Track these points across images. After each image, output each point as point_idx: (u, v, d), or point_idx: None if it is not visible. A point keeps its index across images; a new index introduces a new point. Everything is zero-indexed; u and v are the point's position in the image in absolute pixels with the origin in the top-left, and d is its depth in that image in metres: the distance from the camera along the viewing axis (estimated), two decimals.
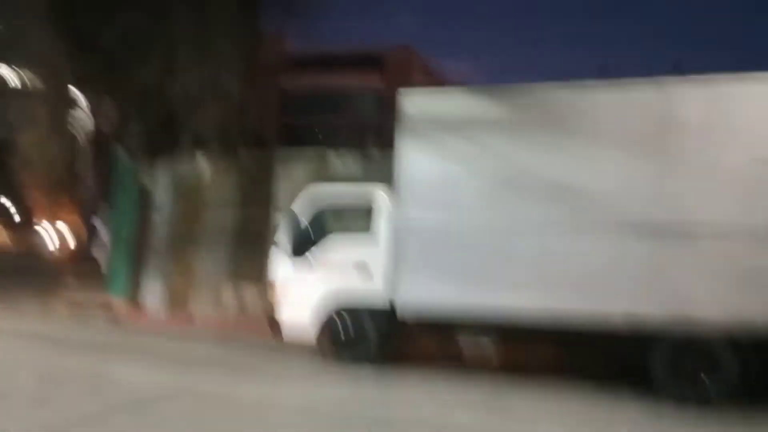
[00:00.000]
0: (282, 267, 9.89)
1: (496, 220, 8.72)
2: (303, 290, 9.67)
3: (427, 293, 8.99)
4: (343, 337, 9.44)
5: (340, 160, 12.31)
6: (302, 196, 9.97)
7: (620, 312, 8.15)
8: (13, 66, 22.10)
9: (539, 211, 8.57)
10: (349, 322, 9.45)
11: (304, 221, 9.79)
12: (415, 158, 9.20)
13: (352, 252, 9.56)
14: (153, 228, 14.67)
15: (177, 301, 13.66)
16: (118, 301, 14.73)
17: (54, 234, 40.55)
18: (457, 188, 8.96)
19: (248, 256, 12.46)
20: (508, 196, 8.72)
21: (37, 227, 49.95)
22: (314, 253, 9.70)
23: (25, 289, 17.14)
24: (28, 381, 7.54)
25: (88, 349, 9.75)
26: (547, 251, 8.50)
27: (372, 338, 9.35)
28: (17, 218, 50.48)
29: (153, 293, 14.21)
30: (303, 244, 9.78)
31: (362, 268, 9.43)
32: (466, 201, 8.91)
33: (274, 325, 9.92)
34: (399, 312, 9.18)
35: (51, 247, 37.12)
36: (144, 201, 15.12)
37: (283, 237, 9.86)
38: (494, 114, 8.96)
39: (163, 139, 15.69)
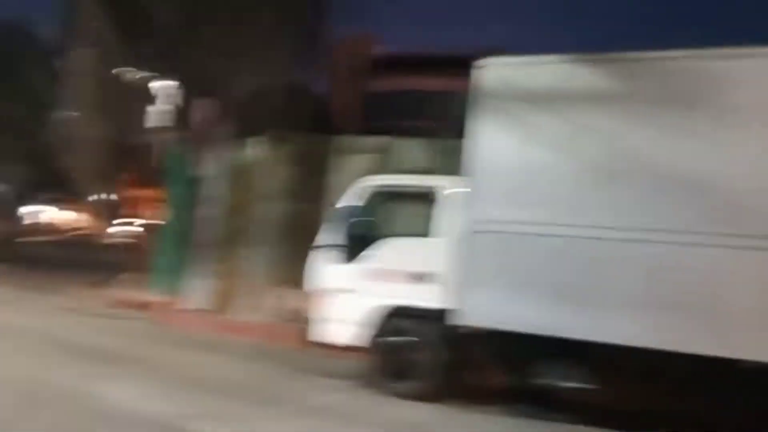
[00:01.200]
0: (324, 274, 8.16)
1: (595, 222, 6.70)
2: (348, 304, 7.91)
3: (502, 313, 7.08)
4: (394, 365, 7.62)
5: (407, 150, 10.48)
6: (352, 189, 8.21)
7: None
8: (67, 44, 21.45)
9: (653, 212, 6.51)
10: (403, 346, 7.62)
11: (354, 220, 8.04)
12: (492, 143, 7.28)
13: (410, 259, 7.73)
14: (201, 221, 13.27)
15: (219, 303, 12.15)
16: (160, 301, 13.41)
17: (133, 226, 40.43)
18: (545, 180, 7.01)
19: (296, 258, 10.79)
20: (611, 192, 6.69)
21: (124, 219, 50.28)
22: (364, 259, 7.92)
23: (81, 280, 16.16)
24: None
25: (97, 358, 8.29)
26: (662, 265, 6.44)
27: (431, 368, 7.48)
28: (112, 209, 50.87)
29: (195, 294, 12.77)
30: (351, 248, 8.02)
31: (422, 279, 7.59)
32: (556, 196, 6.93)
33: (312, 342, 8.23)
34: (467, 336, 7.32)
35: (126, 240, 37.02)
36: (196, 192, 13.76)
37: (327, 238, 8.12)
38: (597, 87, 6.93)
39: (221, 124, 14.23)
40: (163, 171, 15.39)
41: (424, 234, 7.75)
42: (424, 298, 7.56)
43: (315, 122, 12.98)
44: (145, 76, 19.08)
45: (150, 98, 21.95)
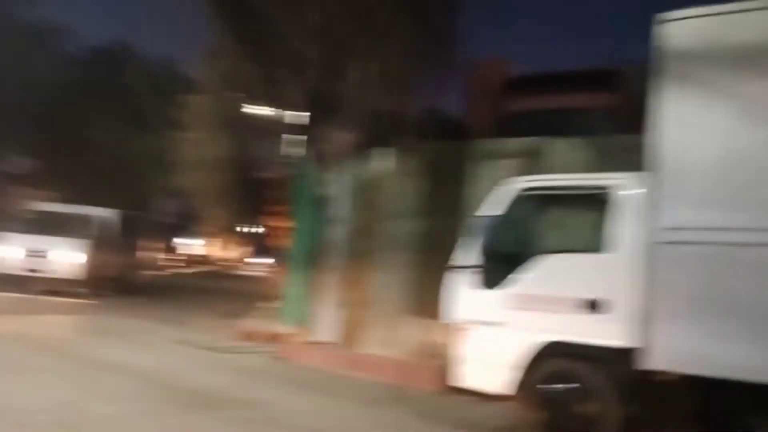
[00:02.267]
0: (463, 302, 6.56)
1: None
2: (496, 339, 6.27)
3: (705, 353, 5.24)
4: (557, 419, 5.88)
5: (563, 152, 8.71)
6: (496, 195, 6.59)
7: None
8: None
9: None
10: (567, 395, 5.86)
11: (499, 233, 6.41)
12: (684, 125, 5.45)
13: (575, 282, 5.99)
14: (328, 245, 12.05)
15: (348, 336, 10.79)
16: (287, 333, 12.26)
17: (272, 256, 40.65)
18: (763, 171, 5.09)
19: (434, 283, 9.31)
20: None
21: (265, 249, 51.10)
22: (513, 283, 6.26)
23: (214, 312, 15.52)
24: None
25: (204, 402, 7.10)
26: None
27: (606, 424, 5.68)
28: (256, 240, 51.76)
29: (322, 325, 11.52)
30: (496, 269, 6.39)
31: (592, 308, 5.82)
32: None
33: (451, 385, 6.62)
34: (656, 384, 5.49)
35: (265, 270, 37.11)
36: (322, 213, 12.60)
37: (466, 257, 6.53)
38: None
39: (348, 142, 13.08)
40: (291, 194, 14.40)
41: (594, 248, 5.98)
42: (596, 333, 5.79)
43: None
44: (271, 107, 18.53)
45: (278, 129, 21.39)
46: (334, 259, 11.82)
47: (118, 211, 20.03)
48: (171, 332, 12.21)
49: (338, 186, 12.15)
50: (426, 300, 9.69)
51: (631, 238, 5.70)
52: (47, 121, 28.85)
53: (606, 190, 5.95)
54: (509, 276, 6.27)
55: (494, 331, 6.29)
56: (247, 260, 49.55)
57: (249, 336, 12.47)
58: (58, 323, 13.36)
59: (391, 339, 10.03)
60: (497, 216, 6.35)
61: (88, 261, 17.35)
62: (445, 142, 10.31)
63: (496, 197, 6.46)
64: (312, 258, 12.74)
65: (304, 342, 11.52)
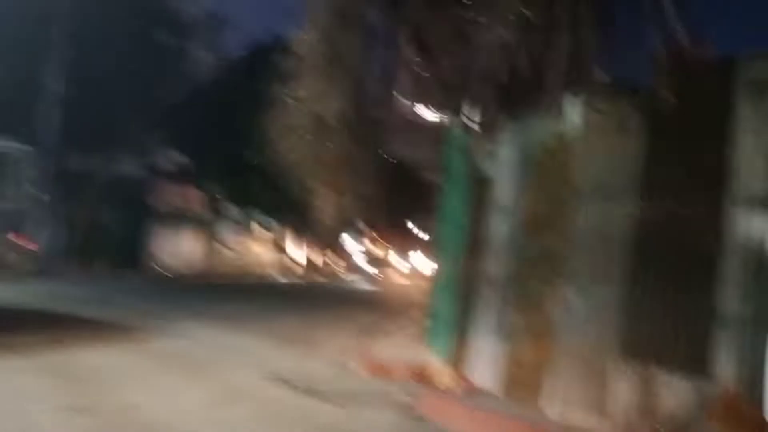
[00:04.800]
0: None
1: None
2: None
3: None
4: None
5: None
6: None
7: None
8: None
9: None
10: None
11: None
12: None
13: None
14: (490, 244, 8.41)
15: (523, 382, 7.08)
16: (436, 370, 8.73)
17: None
18: None
19: (670, 309, 5.46)
20: None
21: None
22: None
23: (354, 327, 12.47)
24: None
25: None
26: None
27: None
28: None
29: (483, 362, 7.88)
30: None
31: None
32: None
33: None
34: None
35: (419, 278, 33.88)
36: (482, 199, 8.98)
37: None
38: None
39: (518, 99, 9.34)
40: (439, 177, 10.93)
41: None
42: None
43: None
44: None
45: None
46: (498, 264, 8.17)
47: None
48: (275, 359, 9.12)
49: (503, 159, 8.48)
50: (654, 336, 5.83)
51: None
52: (206, 117, 27.93)
53: None
54: None
55: None
56: (405, 265, 46.92)
57: (383, 370, 9.09)
58: None
59: (590, 396, 6.20)
60: None
61: None
62: (681, 73, 6.31)
63: None
64: (467, 263, 9.17)
65: (454, 388, 7.93)
